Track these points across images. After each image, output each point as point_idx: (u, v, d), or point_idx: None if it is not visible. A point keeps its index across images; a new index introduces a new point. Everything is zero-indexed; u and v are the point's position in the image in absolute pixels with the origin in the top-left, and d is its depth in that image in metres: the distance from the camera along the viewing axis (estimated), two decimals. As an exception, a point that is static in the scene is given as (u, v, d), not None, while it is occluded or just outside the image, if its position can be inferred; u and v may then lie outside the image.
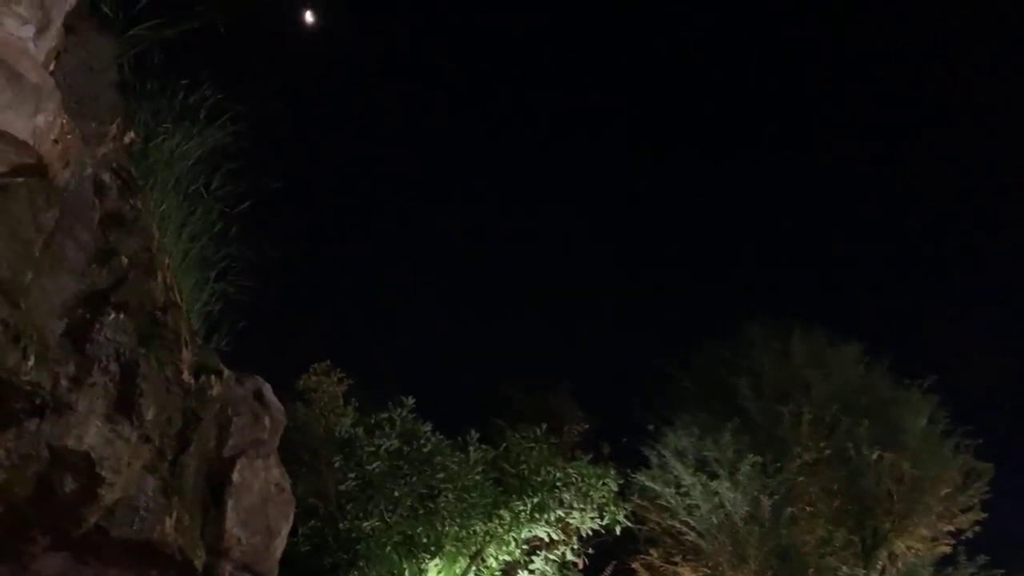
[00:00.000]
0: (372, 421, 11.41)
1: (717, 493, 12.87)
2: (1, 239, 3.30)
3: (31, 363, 3.36)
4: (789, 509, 12.83)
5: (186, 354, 4.65)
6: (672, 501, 13.34)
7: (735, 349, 15.03)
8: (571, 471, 12.07)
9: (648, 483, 13.51)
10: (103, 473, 3.81)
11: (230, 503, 5.00)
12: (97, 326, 3.91)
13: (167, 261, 4.81)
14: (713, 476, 13.01)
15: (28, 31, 2.73)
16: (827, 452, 13.33)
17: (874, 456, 13.12)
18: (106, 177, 4.26)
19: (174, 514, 4.37)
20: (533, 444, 12.28)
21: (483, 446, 11.83)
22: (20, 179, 2.90)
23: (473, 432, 11.84)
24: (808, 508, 13.31)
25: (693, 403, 14.59)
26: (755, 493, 12.73)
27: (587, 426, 14.74)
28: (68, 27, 3.40)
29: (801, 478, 13.25)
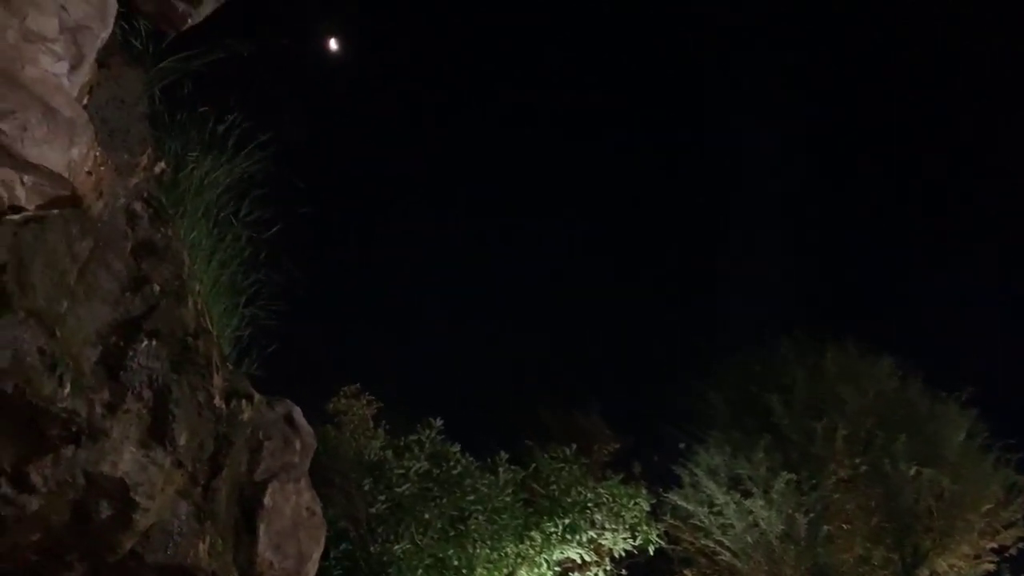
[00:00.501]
0: (401, 443, 11.43)
1: (751, 512, 12.70)
2: (38, 269, 3.38)
3: (67, 391, 3.42)
4: (826, 527, 12.61)
5: (217, 379, 4.70)
6: (705, 520, 13.18)
7: (766, 364, 14.88)
8: (602, 491, 11.97)
9: (681, 502, 13.37)
10: (137, 499, 3.85)
11: (262, 527, 5.03)
12: (130, 353, 3.97)
13: (198, 288, 4.89)
14: (747, 494, 12.84)
15: (63, 67, 2.81)
16: (863, 468, 13.10)
17: (912, 472, 12.87)
18: (138, 207, 4.35)
19: (207, 539, 4.41)
20: (563, 464, 12.21)
21: (513, 467, 11.79)
22: (56, 211, 2.97)
23: (502, 453, 11.81)
24: (845, 526, 13.07)
25: (724, 420, 14.44)
26: (790, 511, 12.54)
27: (617, 445, 14.64)
28: (100, 62, 3.49)
29: (837, 495, 13.03)
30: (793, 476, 12.69)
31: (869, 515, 13.13)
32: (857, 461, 13.18)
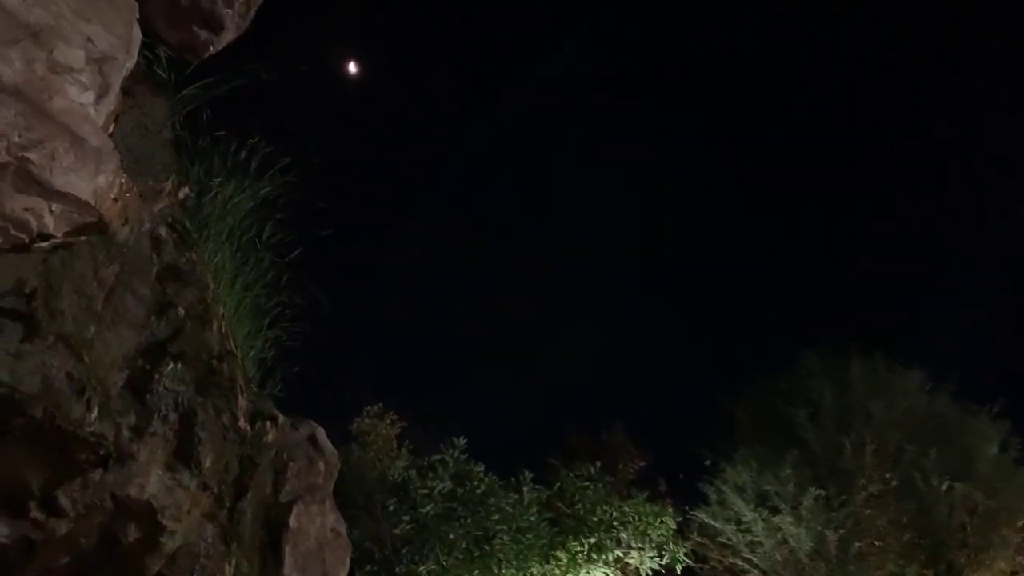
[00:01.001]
0: (425, 463, 11.42)
1: (780, 529, 12.51)
2: (66, 295, 3.43)
3: (95, 414, 3.46)
4: (856, 544, 12.38)
5: (242, 401, 4.73)
6: (733, 538, 13.00)
7: (791, 379, 14.72)
8: (628, 509, 11.88)
9: (708, 520, 13.21)
10: (164, 521, 3.87)
11: (287, 549, 5.03)
12: (156, 376, 4.02)
13: (222, 311, 4.93)
14: (775, 511, 12.66)
15: (89, 97, 2.87)
16: (894, 483, 12.87)
17: (944, 487, 12.64)
18: (163, 232, 4.41)
19: (233, 561, 4.42)
20: (588, 483, 12.14)
21: (537, 486, 11.74)
22: (83, 237, 3.02)
23: (526, 472, 11.76)
24: (877, 543, 12.82)
25: (750, 436, 14.28)
26: (819, 528, 12.34)
27: (642, 463, 14.55)
28: (125, 91, 3.56)
29: (868, 511, 12.80)
30: (822, 492, 12.50)
31: (901, 531, 12.88)
32: (887, 476, 12.96)
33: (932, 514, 12.66)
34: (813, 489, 12.42)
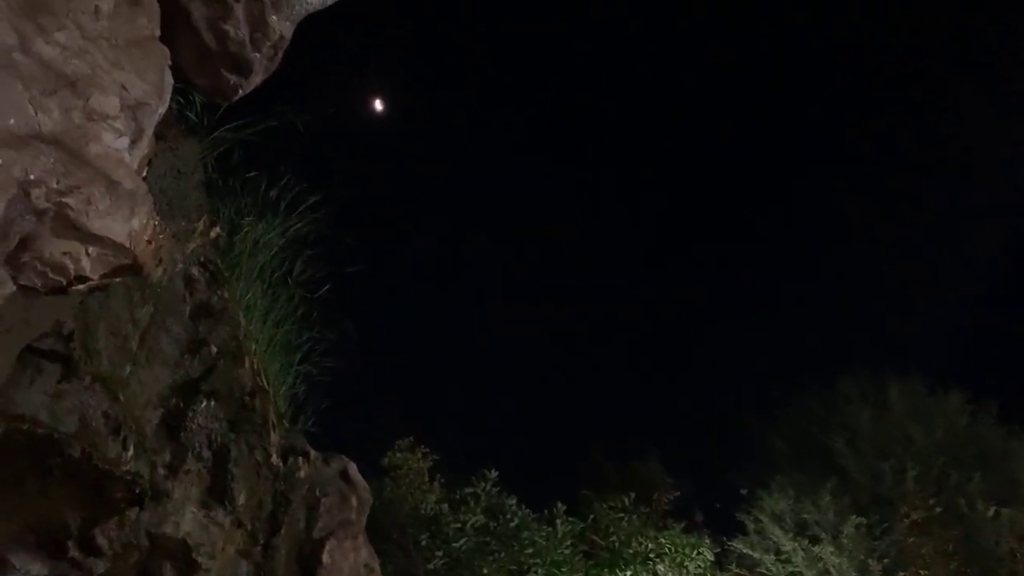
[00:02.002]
0: (457, 496, 11.36)
1: (821, 559, 12.20)
2: (102, 336, 3.50)
3: (131, 453, 3.51)
4: (901, 573, 12.04)
5: (274, 437, 4.76)
6: (772, 568, 12.69)
7: (828, 404, 14.47)
8: (663, 541, 11.69)
9: (746, 550, 12.92)
10: (199, 559, 3.89)
11: (321, 585, 5.02)
12: (190, 414, 4.07)
13: (254, 347, 4.99)
14: (815, 540, 12.37)
15: (123, 143, 2.95)
16: (938, 510, 12.53)
17: (991, 512, 12.27)
18: (195, 271, 4.49)
19: (267, 598, 4.42)
20: (622, 514, 11.98)
21: (571, 518, 11.60)
22: (118, 279, 3.09)
23: (560, 504, 11.64)
24: (923, 572, 12.44)
25: (787, 463, 14.02)
26: (862, 557, 12.02)
27: (677, 493, 14.34)
28: (158, 135, 3.65)
29: (912, 539, 12.45)
30: (863, 520, 12.20)
31: (947, 559, 12.50)
32: (931, 502, 12.62)
33: (979, 541, 12.28)
34: (854, 517, 12.13)
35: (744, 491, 13.67)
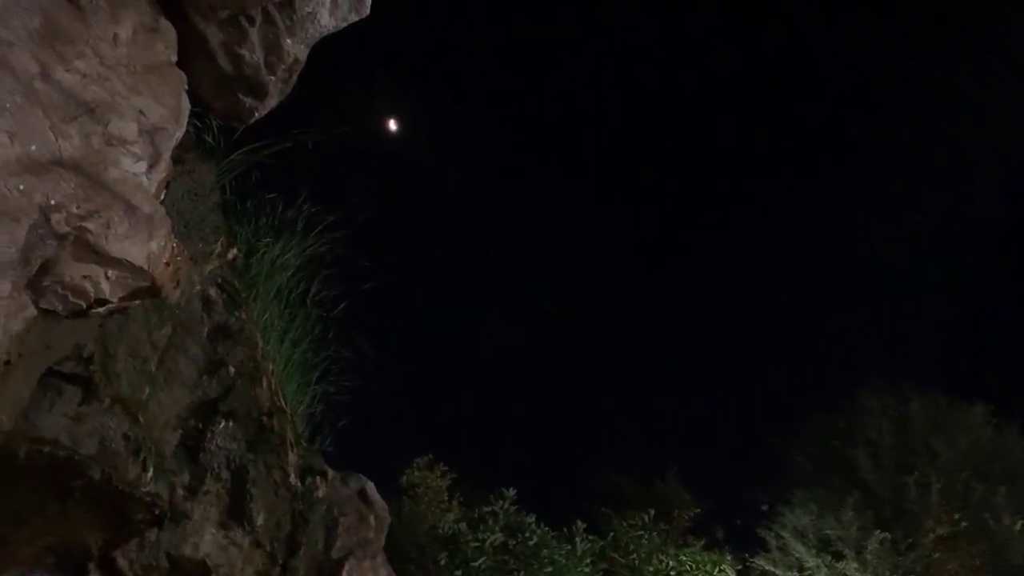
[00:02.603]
0: (476, 515, 11.30)
1: (845, 575, 12.04)
2: (122, 358, 3.53)
3: (150, 474, 3.52)
4: (928, 590, 11.85)
5: (292, 457, 4.77)
6: (796, 585, 12.54)
7: (849, 419, 14.30)
8: (684, 559, 11.56)
9: (768, 567, 12.78)
10: (218, 580, 3.90)
11: (340, 606, 5.01)
12: (209, 435, 4.09)
13: (271, 367, 5.02)
14: (838, 556, 12.20)
15: (141, 167, 2.99)
16: (963, 525, 12.32)
17: (1018, 526, 12.06)
18: (213, 292, 4.53)
19: (287, 619, 4.41)
20: (642, 532, 11.87)
21: (590, 536, 11.51)
22: (137, 302, 3.12)
23: (579, 522, 11.55)
24: (949, 588, 12.25)
25: (808, 479, 13.86)
26: (887, 573, 11.85)
27: (698, 509, 14.19)
28: (176, 159, 3.70)
29: (937, 554, 12.25)
30: (887, 535, 12.02)
31: (974, 574, 12.28)
32: (956, 517, 12.42)
33: (1007, 555, 12.07)
34: (878, 532, 11.97)
35: (765, 507, 13.53)
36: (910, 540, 12.19)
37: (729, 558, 11.97)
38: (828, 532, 12.38)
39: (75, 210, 2.62)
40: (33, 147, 2.51)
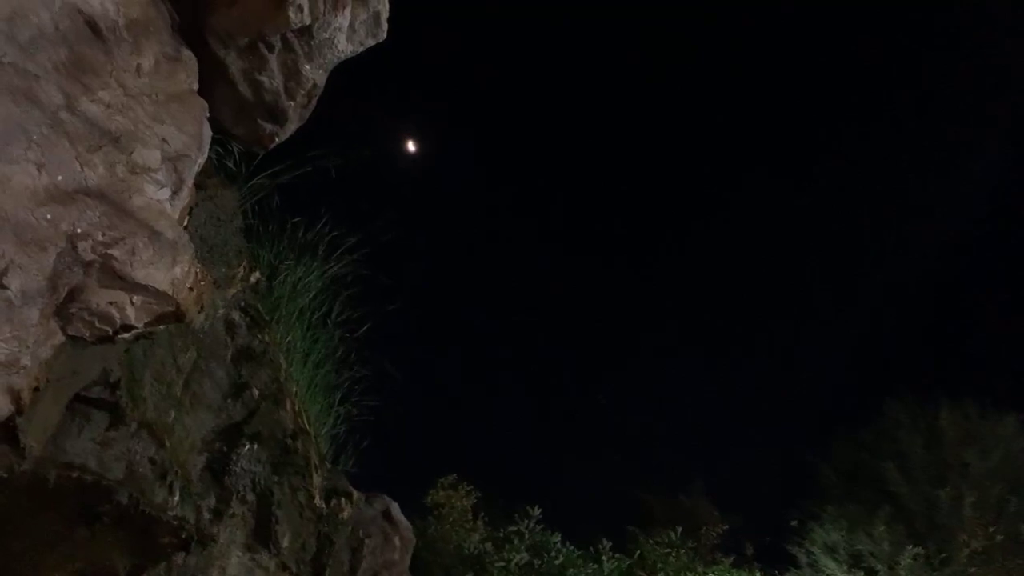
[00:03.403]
0: (501, 535, 11.24)
1: (878, 591, 11.83)
2: (147, 382, 3.57)
3: (177, 498, 3.55)
4: (964, 605, 11.60)
5: (316, 479, 4.78)
6: (827, 602, 12.33)
7: (877, 432, 14.08)
8: (713, 576, 11.43)
9: (799, 584, 12.59)
10: (245, 603, 3.91)
11: (366, 628, 4.99)
12: (234, 458, 4.11)
13: (295, 389, 5.04)
14: (871, 572, 12.00)
15: (165, 194, 3.04)
16: (999, 538, 12.07)
17: (1055, 539, 11.81)
18: (236, 316, 4.57)
19: (313, 641, 4.40)
20: (669, 549, 11.75)
21: (616, 555, 11.41)
22: (161, 326, 3.16)
23: (605, 540, 11.46)
24: (987, 603, 11.98)
25: (838, 493, 13.65)
26: (922, 589, 11.62)
27: (726, 526, 14.03)
28: (198, 184, 3.75)
29: (973, 569, 12.00)
30: (920, 550, 11.80)
31: (1012, 590, 12.02)
32: (991, 530, 12.16)
33: (1045, 570, 11.80)
34: (911, 547, 11.74)
35: (794, 522, 13.33)
36: (944, 555, 11.95)
37: (758, 575, 11.80)
38: (860, 547, 12.18)
39: (101, 237, 2.66)
40: (60, 177, 2.56)
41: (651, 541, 11.91)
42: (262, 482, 4.23)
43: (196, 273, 3.14)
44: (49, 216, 2.50)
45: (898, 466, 13.06)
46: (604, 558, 11.18)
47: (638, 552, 11.73)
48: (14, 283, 2.39)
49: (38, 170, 2.49)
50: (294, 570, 4.40)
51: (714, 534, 13.81)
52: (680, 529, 12.16)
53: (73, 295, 2.68)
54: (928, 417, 13.59)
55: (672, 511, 14.09)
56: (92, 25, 2.80)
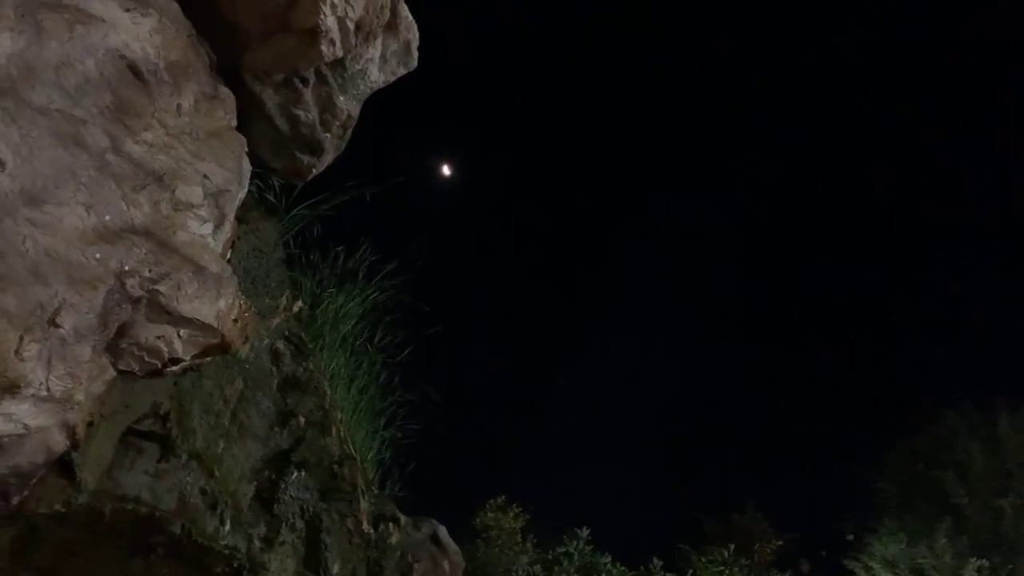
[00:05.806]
0: (550, 556, 11.15)
1: (943, 606, 11.44)
2: (196, 414, 3.64)
3: (228, 527, 3.60)
4: (1034, 620, 11.16)
5: (364, 504, 4.81)
6: (889, 619, 11.96)
7: (934, 441, 13.67)
8: (769, 594, 11.19)
9: (859, 600, 12.23)
10: (297, 631, 3.93)
11: (418, 653, 4.99)
12: (282, 486, 4.16)
13: (340, 416, 5.09)
14: (933, 587, 11.61)
15: (208, 229, 3.12)
16: (1068, 548, 11.62)
17: None
18: (280, 345, 4.64)
19: (366, 668, 4.41)
20: (723, 567, 11.53)
21: (668, 574, 11.23)
22: (208, 359, 3.23)
23: (655, 560, 11.29)
24: (1057, 617, 11.50)
25: (895, 506, 13.26)
26: (989, 603, 11.21)
27: (780, 542, 13.73)
28: (240, 218, 3.84)
29: (1042, 581, 11.55)
30: (985, 562, 11.38)
31: (1084, 601, 11.53)
32: (1059, 540, 11.72)
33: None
34: (974, 560, 11.34)
35: (851, 537, 12.98)
36: (1010, 567, 11.52)
37: (817, 592, 11.52)
38: (921, 561, 11.79)
39: (147, 274, 2.74)
40: (107, 217, 2.65)
41: (703, 559, 11.70)
42: (311, 509, 4.27)
43: (240, 305, 3.21)
44: (98, 255, 2.58)
45: (957, 476, 12.67)
46: (656, 577, 11.03)
47: (691, 571, 11.53)
48: (67, 322, 2.46)
49: (87, 211, 2.58)
50: (345, 597, 4.42)
51: (768, 551, 13.52)
52: (733, 546, 11.93)
53: (123, 331, 2.76)
54: (986, 425, 13.18)
55: (724, 528, 13.85)
56: (134, 69, 2.90)
